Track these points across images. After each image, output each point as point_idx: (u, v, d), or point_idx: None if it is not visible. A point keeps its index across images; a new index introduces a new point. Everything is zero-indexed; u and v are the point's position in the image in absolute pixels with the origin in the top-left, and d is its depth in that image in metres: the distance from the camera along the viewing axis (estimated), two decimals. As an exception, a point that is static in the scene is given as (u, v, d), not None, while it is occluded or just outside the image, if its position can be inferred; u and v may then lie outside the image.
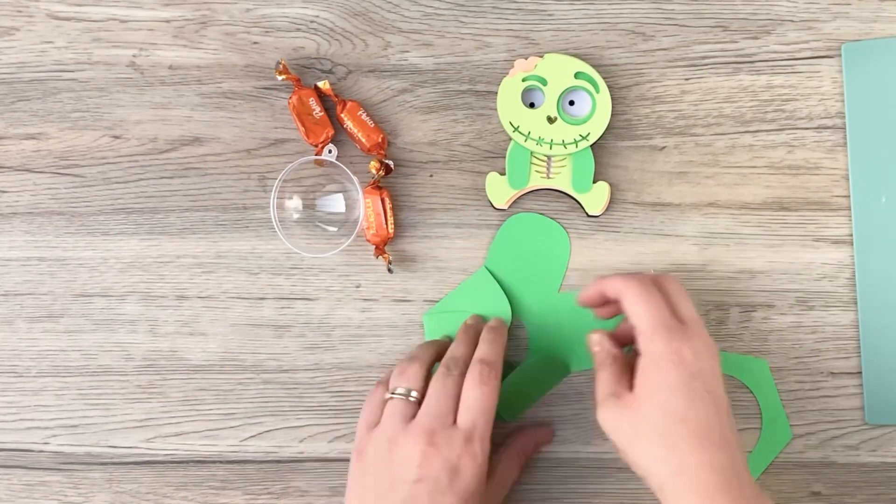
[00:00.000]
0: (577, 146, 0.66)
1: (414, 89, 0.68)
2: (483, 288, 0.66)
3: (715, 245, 0.67)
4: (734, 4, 0.67)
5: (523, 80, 0.66)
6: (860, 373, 0.66)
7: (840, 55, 0.67)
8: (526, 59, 0.66)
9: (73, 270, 0.68)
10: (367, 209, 0.65)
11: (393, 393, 0.60)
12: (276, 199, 0.65)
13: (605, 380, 0.58)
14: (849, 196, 0.66)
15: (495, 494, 0.63)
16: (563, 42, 0.67)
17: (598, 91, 0.66)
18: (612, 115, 0.66)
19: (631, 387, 0.57)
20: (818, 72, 0.67)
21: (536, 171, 0.66)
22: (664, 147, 0.67)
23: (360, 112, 0.66)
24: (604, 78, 0.66)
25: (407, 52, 0.68)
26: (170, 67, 0.68)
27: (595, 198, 0.66)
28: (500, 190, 0.66)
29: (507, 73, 0.66)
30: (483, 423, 0.59)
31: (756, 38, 0.67)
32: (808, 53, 0.67)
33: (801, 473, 0.66)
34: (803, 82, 0.67)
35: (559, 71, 0.66)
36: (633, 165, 0.67)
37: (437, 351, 0.63)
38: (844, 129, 0.67)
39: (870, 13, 0.67)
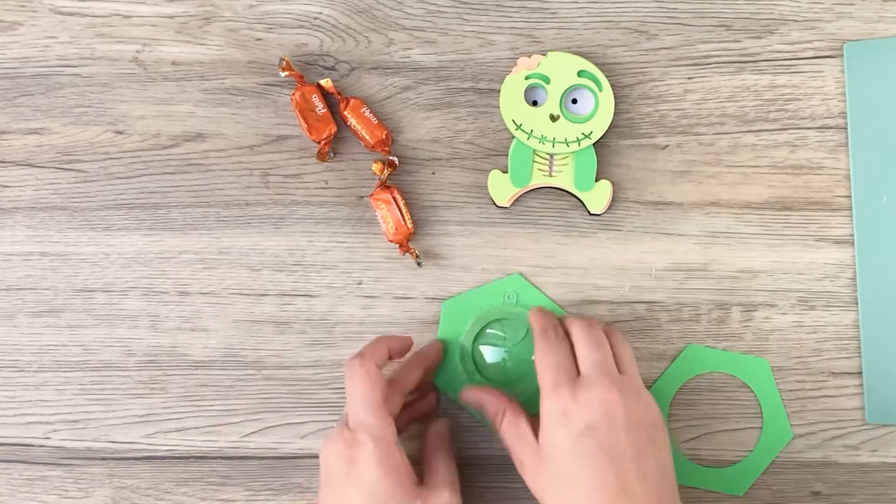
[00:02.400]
0: (579, 144, 0.66)
1: (417, 87, 0.68)
2: (515, 289, 0.67)
3: (717, 244, 0.67)
4: (737, 4, 0.67)
5: (526, 79, 0.66)
6: (861, 373, 0.66)
7: (843, 55, 0.67)
8: (529, 57, 0.66)
9: (75, 265, 0.68)
10: (383, 212, 0.65)
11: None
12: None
13: (514, 439, 0.59)
14: (850, 196, 0.66)
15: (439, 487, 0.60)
16: (567, 40, 0.67)
17: (600, 89, 0.66)
18: (615, 113, 0.66)
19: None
20: (821, 71, 0.67)
21: (539, 170, 0.66)
22: (667, 146, 0.67)
23: (364, 109, 0.66)
24: (607, 76, 0.66)
25: (410, 49, 0.68)
26: (173, 63, 0.68)
27: (597, 196, 0.66)
28: (502, 188, 0.66)
29: (510, 71, 0.66)
30: (361, 412, 0.58)
31: (759, 37, 0.67)
32: (812, 53, 0.67)
33: (801, 473, 0.66)
34: (806, 82, 0.67)
35: (562, 69, 0.66)
36: (636, 164, 0.67)
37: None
38: (847, 128, 0.67)
39: (873, 13, 0.67)
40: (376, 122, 0.66)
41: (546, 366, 0.58)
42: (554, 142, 0.66)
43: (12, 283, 0.68)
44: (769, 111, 0.67)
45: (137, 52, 0.68)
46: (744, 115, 0.67)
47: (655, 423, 0.57)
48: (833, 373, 0.66)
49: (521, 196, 0.67)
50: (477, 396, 0.62)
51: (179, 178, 0.68)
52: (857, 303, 0.66)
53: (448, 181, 0.67)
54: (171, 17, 0.68)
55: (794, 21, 0.67)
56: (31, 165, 0.68)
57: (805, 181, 0.67)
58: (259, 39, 0.68)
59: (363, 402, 0.58)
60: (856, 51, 0.66)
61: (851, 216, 0.66)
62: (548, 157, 0.66)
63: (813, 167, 0.67)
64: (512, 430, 0.59)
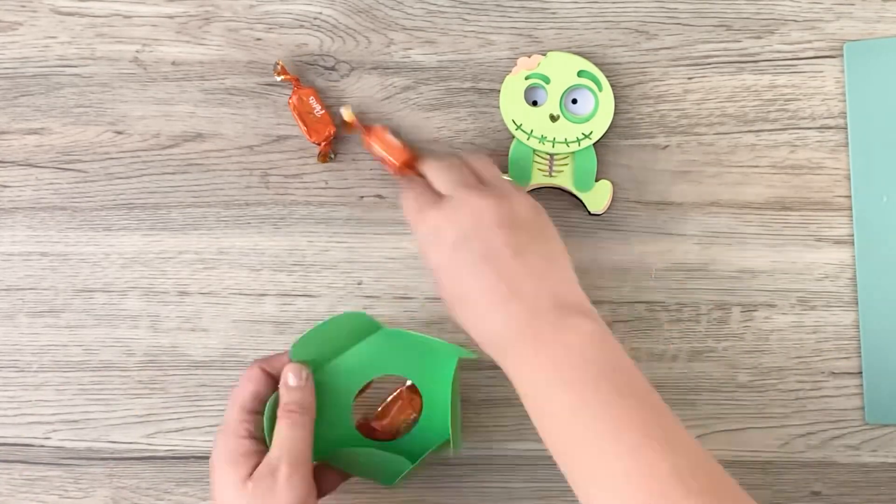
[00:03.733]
0: (579, 144, 0.66)
1: (417, 87, 0.68)
2: (355, 325, 0.61)
3: (717, 244, 0.67)
4: (737, 4, 0.67)
5: (526, 79, 0.66)
6: (861, 373, 0.66)
7: (843, 55, 0.67)
8: (529, 57, 0.66)
9: (75, 265, 0.68)
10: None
11: None
12: None
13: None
14: (850, 196, 0.66)
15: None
16: (567, 40, 0.67)
17: (600, 89, 0.66)
18: (615, 113, 0.66)
19: None
20: (821, 71, 0.67)
21: (539, 170, 0.66)
22: (667, 146, 0.67)
23: (386, 134, 0.65)
24: (607, 76, 0.66)
25: (410, 49, 0.68)
26: (173, 63, 0.68)
27: (597, 196, 0.66)
28: (502, 188, 0.66)
29: (510, 72, 0.66)
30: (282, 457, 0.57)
31: (759, 37, 0.67)
32: (812, 53, 0.67)
33: (801, 473, 0.66)
34: (806, 82, 0.67)
35: (562, 69, 0.66)
36: (636, 164, 0.67)
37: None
38: (847, 128, 0.67)
39: (873, 13, 0.67)
40: (400, 145, 0.64)
41: (404, 204, 0.58)
42: (554, 142, 0.66)
43: (12, 283, 0.68)
44: (769, 111, 0.67)
45: (137, 52, 0.68)
46: (744, 115, 0.67)
47: (536, 220, 0.57)
48: (833, 373, 0.66)
49: (521, 196, 0.67)
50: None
51: (179, 178, 0.68)
52: (857, 303, 0.66)
53: (448, 181, 0.67)
54: (171, 17, 0.68)
55: (794, 21, 0.67)
56: (31, 165, 0.68)
57: (805, 181, 0.67)
58: (259, 39, 0.68)
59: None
60: (856, 51, 0.66)
61: (851, 216, 0.66)
62: (548, 157, 0.66)
63: (813, 167, 0.67)
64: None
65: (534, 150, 0.66)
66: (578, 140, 0.66)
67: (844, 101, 0.67)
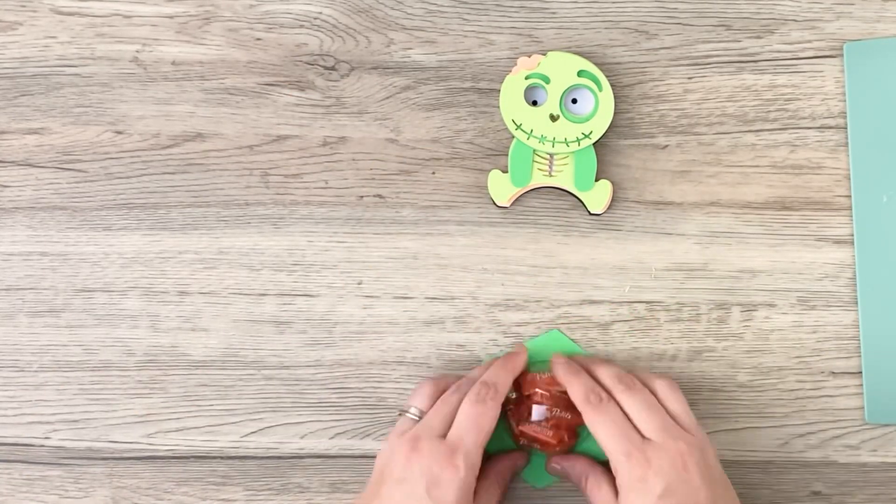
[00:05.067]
0: (579, 144, 0.66)
1: (417, 86, 0.68)
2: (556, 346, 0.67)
3: (717, 244, 0.67)
4: (737, 3, 0.67)
5: (526, 78, 0.66)
6: (861, 373, 0.66)
7: (843, 55, 0.67)
8: (529, 56, 0.66)
9: (75, 265, 0.68)
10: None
11: (403, 411, 0.62)
12: None
13: (598, 500, 0.60)
14: (850, 196, 0.66)
15: None
16: (567, 40, 0.67)
17: (600, 89, 0.66)
18: (615, 113, 0.66)
19: None
20: (821, 71, 0.67)
21: (539, 169, 0.66)
22: (666, 146, 0.67)
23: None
24: (607, 76, 0.66)
25: (410, 49, 0.68)
26: (173, 63, 0.68)
27: (597, 196, 0.66)
28: (502, 187, 0.66)
29: (510, 71, 0.66)
30: (471, 440, 0.59)
31: (759, 37, 0.67)
32: (811, 53, 0.67)
33: (801, 473, 0.66)
34: (806, 82, 0.67)
35: (562, 69, 0.66)
36: (636, 164, 0.67)
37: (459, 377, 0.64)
38: (847, 128, 0.67)
39: (873, 13, 0.67)
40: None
41: (609, 436, 0.59)
42: (554, 142, 0.66)
43: (12, 283, 0.68)
44: (769, 111, 0.67)
45: (137, 52, 0.68)
46: (744, 115, 0.67)
47: (723, 475, 0.59)
48: (833, 373, 0.66)
49: (521, 196, 0.67)
50: (561, 465, 0.64)
51: (179, 178, 0.68)
52: (857, 303, 0.66)
53: (448, 181, 0.68)
54: (171, 17, 0.68)
55: (794, 21, 0.67)
56: (31, 165, 0.68)
57: (805, 181, 0.67)
58: (259, 39, 0.68)
59: (478, 433, 0.59)
60: (856, 51, 0.66)
61: (851, 216, 0.66)
62: (548, 156, 0.66)
63: (813, 167, 0.67)
64: (595, 492, 0.61)
65: (534, 150, 0.66)
66: (578, 140, 0.66)
67: (844, 100, 0.67)
